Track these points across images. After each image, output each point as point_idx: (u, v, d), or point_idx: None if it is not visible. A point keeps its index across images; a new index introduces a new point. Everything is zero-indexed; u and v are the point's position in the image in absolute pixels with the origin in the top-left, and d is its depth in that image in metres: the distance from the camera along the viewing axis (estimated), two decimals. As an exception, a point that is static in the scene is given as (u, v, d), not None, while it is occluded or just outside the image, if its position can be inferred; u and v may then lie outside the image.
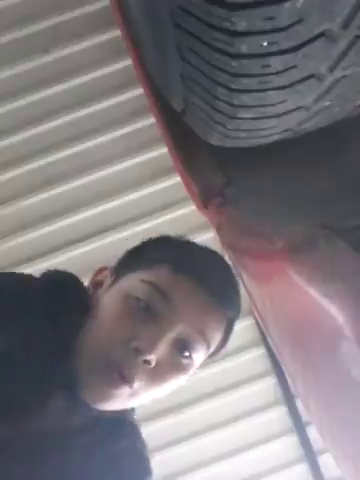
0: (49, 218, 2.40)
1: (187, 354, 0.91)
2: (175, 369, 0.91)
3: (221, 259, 1.03)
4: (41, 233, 2.40)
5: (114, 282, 0.97)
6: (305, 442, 2.44)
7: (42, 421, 0.88)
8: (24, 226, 2.39)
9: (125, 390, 0.88)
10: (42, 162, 2.39)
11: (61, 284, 0.96)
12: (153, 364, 0.88)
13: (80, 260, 2.38)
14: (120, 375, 0.87)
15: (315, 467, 2.45)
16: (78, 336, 0.91)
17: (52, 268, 0.99)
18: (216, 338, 0.96)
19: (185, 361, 0.91)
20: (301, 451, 2.47)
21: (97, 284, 1.00)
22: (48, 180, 2.40)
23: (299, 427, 2.44)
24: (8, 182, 2.40)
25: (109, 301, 0.95)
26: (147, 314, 0.90)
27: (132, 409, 1.00)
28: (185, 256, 0.98)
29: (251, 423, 2.44)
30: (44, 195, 2.40)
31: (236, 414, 2.44)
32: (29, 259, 2.38)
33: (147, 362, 0.88)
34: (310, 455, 2.44)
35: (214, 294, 0.94)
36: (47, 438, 0.88)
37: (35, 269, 2.46)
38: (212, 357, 1.00)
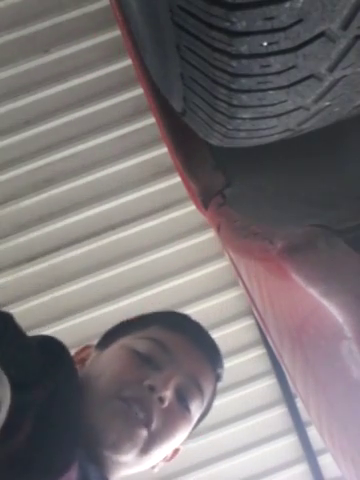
0: (49, 218, 2.40)
1: (186, 404, 0.95)
2: (182, 417, 0.95)
3: (200, 325, 1.10)
4: (41, 233, 2.40)
5: (102, 351, 1.00)
6: (305, 442, 2.45)
7: None
8: (24, 226, 2.40)
9: (143, 431, 0.89)
10: (42, 162, 2.39)
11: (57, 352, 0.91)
12: (167, 403, 0.91)
13: (80, 260, 2.38)
14: (137, 414, 0.88)
15: (315, 467, 2.45)
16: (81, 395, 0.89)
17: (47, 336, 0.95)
18: (208, 394, 1.01)
19: (186, 412, 0.95)
20: (301, 451, 2.47)
21: (82, 360, 1.02)
22: (48, 180, 2.40)
23: (299, 427, 2.44)
24: (8, 182, 2.40)
25: (107, 358, 0.97)
26: (150, 365, 0.94)
27: None
28: (171, 318, 1.08)
29: (251, 423, 2.44)
30: (44, 195, 2.40)
31: (236, 414, 2.44)
32: (29, 259, 2.38)
33: (161, 400, 0.90)
34: (310, 455, 2.45)
35: (206, 350, 1.01)
36: None
37: (35, 269, 2.48)
38: (202, 418, 1.03)
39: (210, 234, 2.28)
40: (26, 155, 2.39)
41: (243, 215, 1.26)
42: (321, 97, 0.88)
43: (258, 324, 2.20)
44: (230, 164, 1.35)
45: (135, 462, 0.92)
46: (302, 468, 2.48)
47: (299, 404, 2.33)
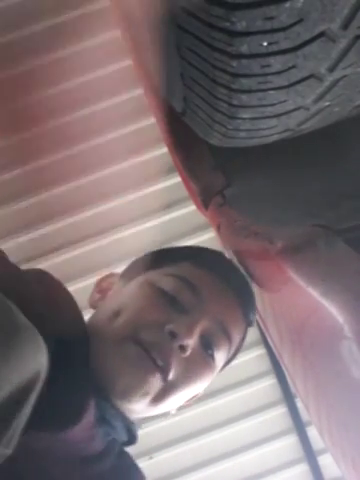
0: (49, 218, 2.40)
1: (211, 352, 0.87)
2: (205, 366, 0.87)
3: (235, 264, 1.03)
4: (41, 233, 2.40)
5: (127, 283, 0.93)
6: (305, 442, 2.45)
7: (75, 435, 0.77)
8: (24, 226, 2.40)
9: (158, 382, 0.81)
10: (42, 162, 2.39)
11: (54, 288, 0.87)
12: (188, 352, 0.83)
13: (80, 260, 2.38)
14: (153, 361, 0.80)
15: (315, 467, 2.45)
16: (90, 338, 0.83)
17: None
18: (236, 341, 0.93)
19: (210, 360, 0.87)
20: (301, 451, 2.47)
21: (103, 291, 0.97)
22: (48, 180, 2.40)
23: (299, 427, 2.45)
24: (8, 182, 2.40)
25: (129, 294, 0.89)
26: (175, 306, 0.86)
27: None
28: (205, 255, 0.98)
29: (251, 423, 2.45)
30: (44, 195, 2.40)
31: (236, 414, 2.44)
32: (29, 259, 2.38)
33: (183, 348, 0.82)
34: (310, 455, 2.45)
35: (239, 294, 0.92)
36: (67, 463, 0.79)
37: (35, 269, 2.46)
38: (226, 365, 0.96)
39: (210, 234, 2.28)
40: (26, 155, 2.39)
41: (243, 215, 1.26)
42: (321, 97, 0.88)
43: (258, 324, 2.20)
44: (230, 164, 1.35)
45: (148, 410, 0.85)
46: (302, 468, 2.48)
47: (299, 404, 2.34)
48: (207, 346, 0.87)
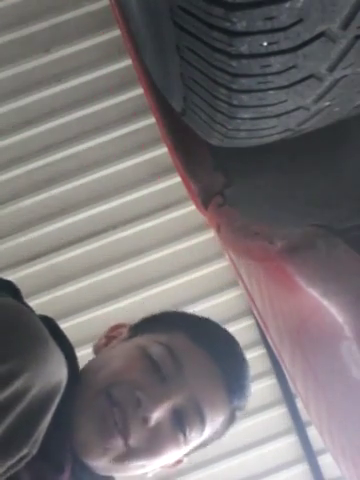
0: (49, 218, 2.40)
1: (183, 429, 0.86)
2: (171, 440, 0.87)
3: (237, 345, 0.99)
4: (41, 233, 2.40)
5: (129, 338, 0.95)
6: (305, 442, 2.44)
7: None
8: (24, 226, 2.40)
9: (119, 443, 0.82)
10: (42, 162, 2.39)
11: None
12: (151, 424, 0.84)
13: (80, 260, 2.38)
14: (115, 423, 0.82)
15: (315, 467, 2.45)
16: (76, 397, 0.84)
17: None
18: (213, 424, 0.90)
19: (180, 435, 0.87)
20: (301, 451, 2.47)
21: (111, 338, 0.99)
22: (48, 180, 2.40)
23: (299, 427, 2.44)
24: (8, 182, 2.40)
25: (121, 351, 0.92)
26: (156, 374, 0.87)
27: None
28: (204, 329, 0.96)
29: (251, 423, 2.44)
30: (44, 195, 2.40)
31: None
32: (29, 259, 2.38)
33: (145, 420, 0.83)
34: (310, 455, 2.45)
35: (227, 376, 0.90)
36: None
37: (35, 269, 2.47)
38: (200, 447, 0.94)
39: (210, 234, 2.28)
40: (26, 155, 2.39)
41: (243, 215, 1.26)
42: (321, 97, 0.88)
43: (258, 324, 2.20)
44: (230, 164, 1.35)
45: (112, 469, 0.87)
46: (302, 468, 2.48)
47: (299, 404, 2.33)
48: (179, 422, 0.87)
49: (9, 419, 0.68)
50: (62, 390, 0.74)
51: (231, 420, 0.95)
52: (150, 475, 0.94)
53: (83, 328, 2.26)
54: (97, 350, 0.99)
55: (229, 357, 0.94)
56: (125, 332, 0.98)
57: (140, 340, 0.93)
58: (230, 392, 0.91)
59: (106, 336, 1.00)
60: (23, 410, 0.68)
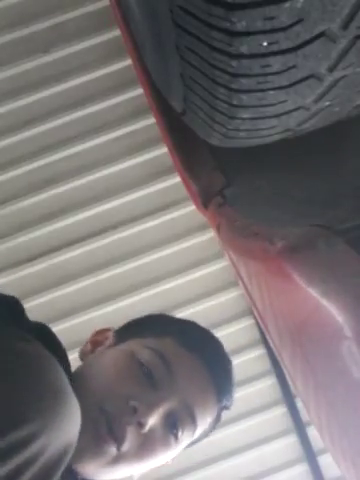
0: (49, 218, 2.40)
1: (175, 432, 0.89)
2: (163, 444, 0.88)
3: (222, 347, 1.02)
4: (41, 233, 2.40)
5: (116, 344, 0.95)
6: (305, 442, 2.44)
7: None
8: (24, 226, 2.40)
9: (112, 449, 0.83)
10: (42, 162, 2.39)
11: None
12: (146, 429, 0.85)
13: (80, 260, 2.38)
14: (109, 430, 0.83)
15: (315, 467, 2.45)
16: None
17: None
18: (204, 424, 0.94)
19: (171, 439, 0.89)
20: (301, 451, 2.47)
21: (96, 343, 0.99)
22: (48, 180, 2.40)
23: (299, 427, 2.44)
24: (8, 182, 2.40)
25: (111, 358, 0.92)
26: (147, 380, 0.88)
27: None
28: (191, 333, 0.98)
29: (251, 423, 2.44)
30: (44, 195, 2.40)
31: (236, 414, 2.44)
32: (29, 259, 2.38)
33: (141, 425, 0.84)
34: (310, 455, 2.44)
35: (216, 378, 0.93)
36: None
37: (35, 269, 2.47)
38: (195, 443, 0.97)
39: (210, 234, 2.28)
40: (26, 155, 2.39)
41: (243, 215, 1.26)
42: (321, 97, 0.88)
43: (258, 324, 2.20)
44: (230, 164, 1.35)
45: (100, 473, 0.88)
46: (302, 468, 2.48)
47: (299, 404, 2.33)
48: (171, 425, 0.89)
49: None
50: (73, 450, 0.73)
51: (218, 419, 0.99)
52: (136, 478, 0.95)
53: (83, 328, 2.26)
54: (83, 356, 0.98)
55: (217, 359, 0.97)
56: (111, 337, 0.98)
57: (129, 346, 0.93)
58: (219, 393, 0.95)
59: (91, 342, 0.99)
60: (33, 475, 0.68)
